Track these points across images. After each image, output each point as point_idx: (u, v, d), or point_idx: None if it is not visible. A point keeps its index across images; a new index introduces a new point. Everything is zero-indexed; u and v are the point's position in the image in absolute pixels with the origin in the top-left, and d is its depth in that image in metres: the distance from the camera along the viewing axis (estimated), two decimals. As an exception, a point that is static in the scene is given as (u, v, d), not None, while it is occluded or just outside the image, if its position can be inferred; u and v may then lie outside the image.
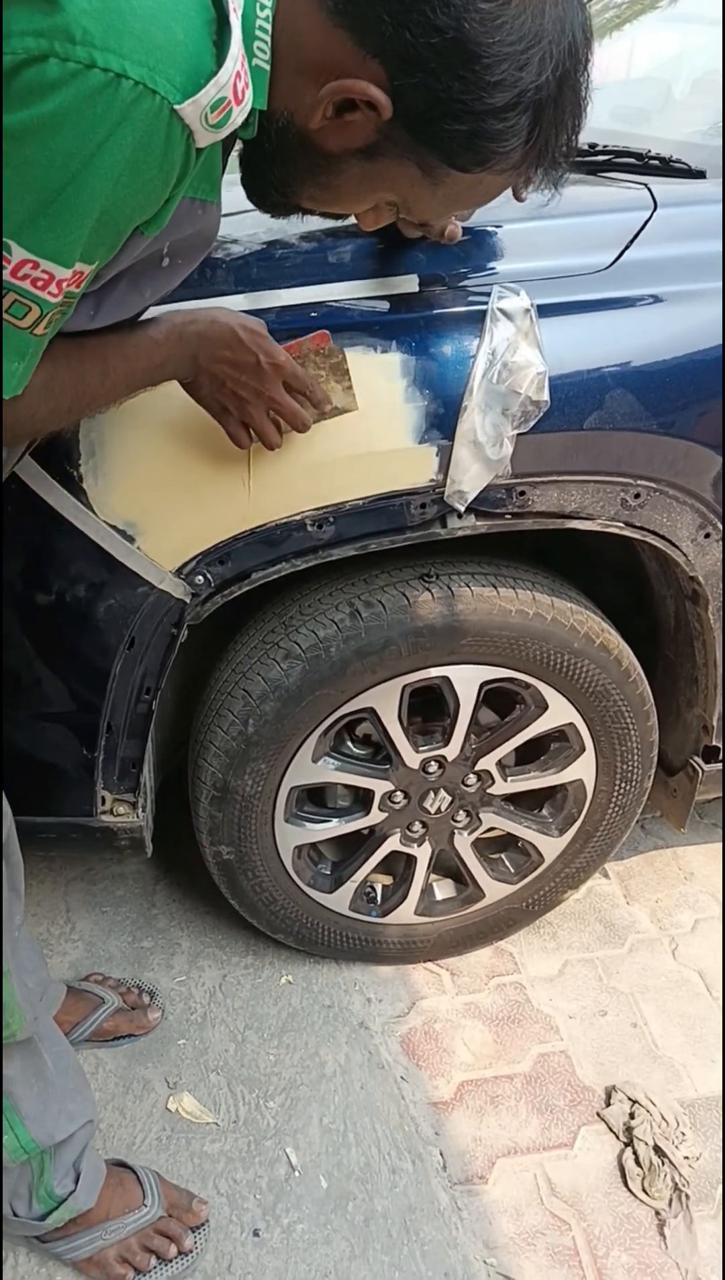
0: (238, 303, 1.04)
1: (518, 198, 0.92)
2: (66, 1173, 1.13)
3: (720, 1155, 1.34)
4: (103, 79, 0.55)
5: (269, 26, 0.65)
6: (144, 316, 0.85)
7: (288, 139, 0.70)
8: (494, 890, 1.52)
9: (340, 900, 1.46)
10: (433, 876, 1.54)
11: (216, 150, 0.69)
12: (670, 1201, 1.28)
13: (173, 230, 0.71)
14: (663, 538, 1.21)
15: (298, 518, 1.09)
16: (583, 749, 1.38)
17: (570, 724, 1.35)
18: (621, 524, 1.18)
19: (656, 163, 1.30)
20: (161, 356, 0.85)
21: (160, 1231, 1.18)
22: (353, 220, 0.87)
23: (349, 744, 1.38)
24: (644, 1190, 1.29)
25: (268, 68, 0.66)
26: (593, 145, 1.39)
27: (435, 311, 1.07)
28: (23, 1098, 1.05)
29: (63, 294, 0.64)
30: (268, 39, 0.65)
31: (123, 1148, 1.31)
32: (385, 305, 1.07)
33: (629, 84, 1.96)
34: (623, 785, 1.43)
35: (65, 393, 0.77)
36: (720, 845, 1.86)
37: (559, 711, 1.33)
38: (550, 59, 0.65)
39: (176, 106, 0.58)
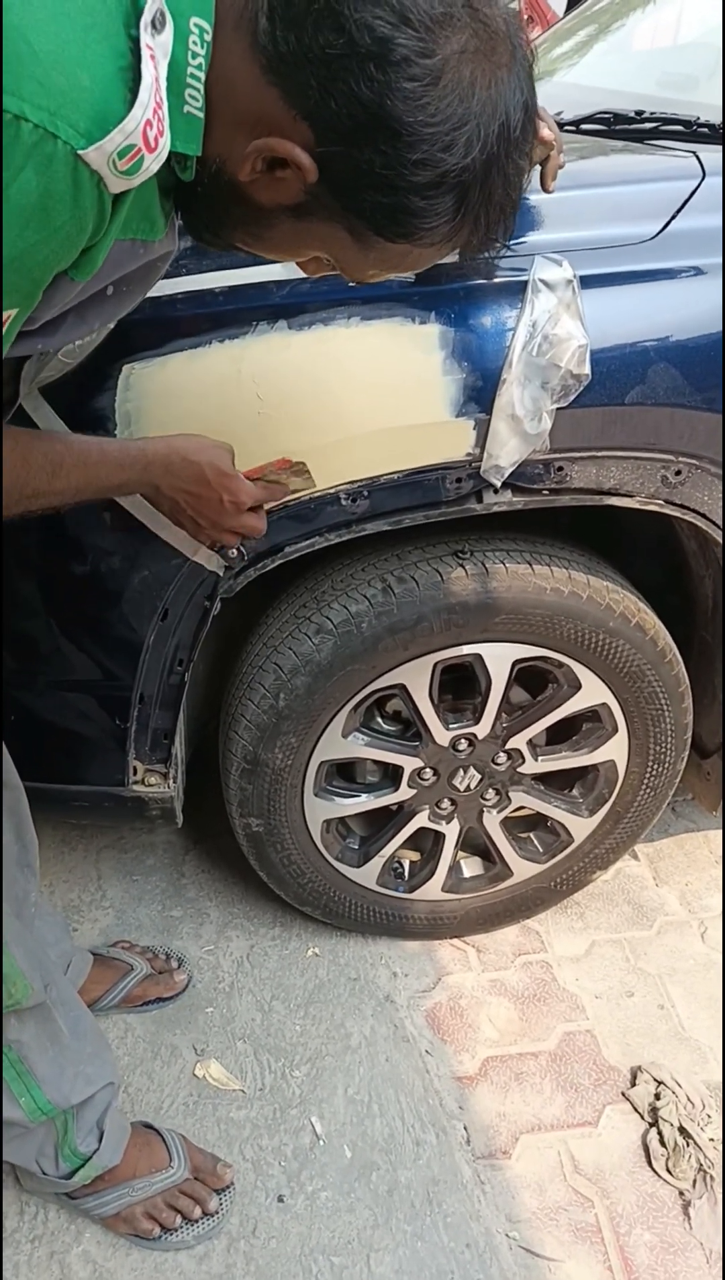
0: (274, 272, 1.03)
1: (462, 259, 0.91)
2: (90, 1131, 1.15)
3: (745, 1138, 1.34)
4: (2, 121, 0.53)
5: (202, 75, 0.63)
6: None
7: (220, 186, 0.69)
8: (522, 869, 1.51)
9: (368, 875, 1.47)
10: (461, 854, 1.54)
11: (151, 191, 0.68)
12: (695, 1182, 1.28)
13: (111, 271, 0.70)
14: (703, 516, 1.18)
15: (332, 491, 1.08)
16: (615, 730, 1.37)
17: (603, 704, 1.34)
18: (661, 501, 1.16)
19: (705, 130, 1.27)
20: (120, 480, 0.90)
21: (185, 1193, 1.21)
22: None
23: (379, 720, 1.38)
24: (668, 1170, 1.29)
25: (201, 115, 0.65)
26: (639, 112, 1.36)
27: (475, 282, 1.05)
28: (37, 1062, 1.08)
29: None
30: (201, 86, 0.63)
31: (150, 1111, 1.33)
32: (423, 275, 1.05)
33: (677, 50, 1.90)
34: (655, 767, 1.42)
35: (5, 475, 0.78)
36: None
37: (592, 691, 1.32)
38: (477, 141, 0.63)
39: (80, 152, 0.56)
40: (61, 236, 0.60)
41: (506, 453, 1.07)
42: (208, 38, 0.62)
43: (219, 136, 0.66)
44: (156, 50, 0.59)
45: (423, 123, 0.61)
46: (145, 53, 0.58)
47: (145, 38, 0.57)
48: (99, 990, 1.44)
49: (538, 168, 1.01)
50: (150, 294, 1.03)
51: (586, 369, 1.04)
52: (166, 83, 0.61)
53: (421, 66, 0.59)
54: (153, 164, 0.61)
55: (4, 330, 0.65)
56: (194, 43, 0.62)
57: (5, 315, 0.64)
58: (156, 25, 0.58)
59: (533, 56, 0.67)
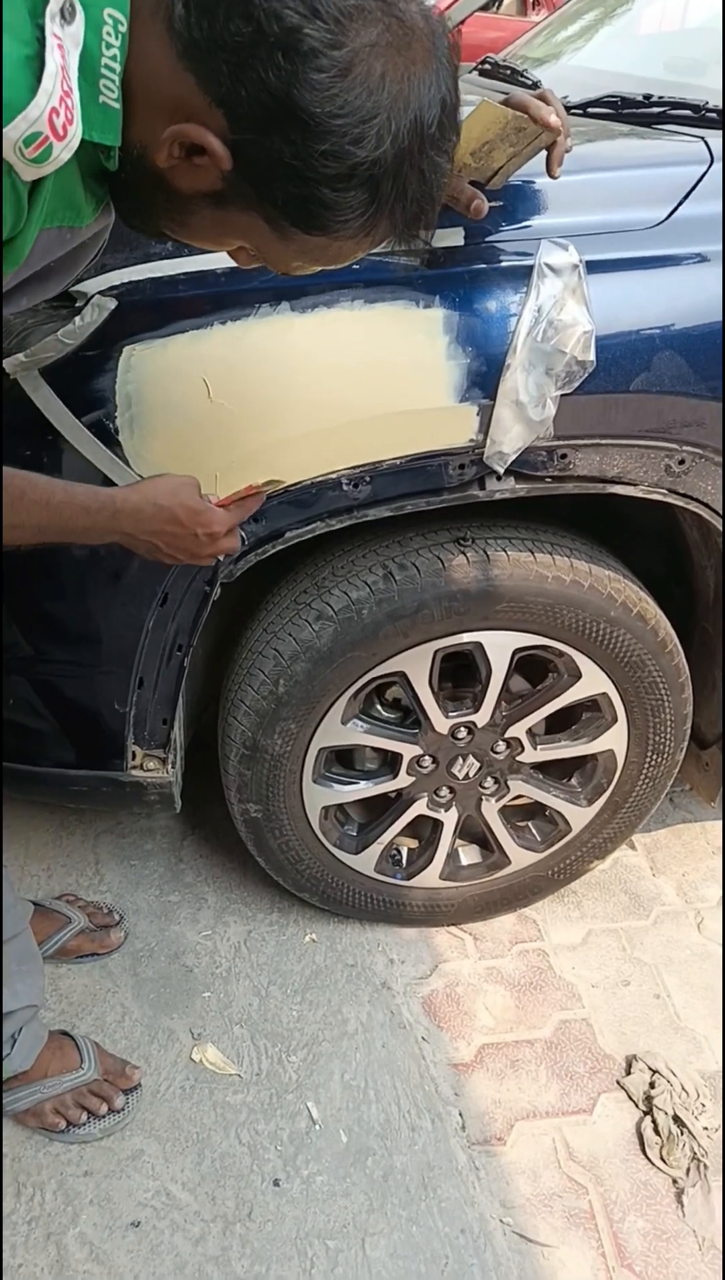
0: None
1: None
2: (6, 1040, 1.22)
3: (739, 1127, 1.34)
4: None
5: (116, 65, 0.63)
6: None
7: (142, 173, 0.70)
8: (520, 857, 1.51)
9: (366, 861, 1.47)
10: (459, 842, 1.54)
11: (73, 179, 0.68)
12: (688, 1170, 1.28)
13: (41, 259, 0.71)
14: (706, 505, 1.18)
15: (333, 476, 1.07)
16: (614, 719, 1.37)
17: (603, 694, 1.33)
18: (664, 490, 1.16)
19: (714, 115, 1.25)
20: (85, 524, 0.88)
21: (94, 1092, 1.29)
22: None
23: (379, 707, 1.38)
24: (662, 1159, 1.29)
25: (117, 106, 0.65)
26: (648, 96, 1.34)
27: (480, 266, 1.04)
28: None
29: None
30: (116, 76, 0.64)
31: (147, 1094, 1.34)
32: (429, 258, 1.04)
33: (684, 34, 1.89)
34: (654, 757, 1.42)
35: None
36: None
37: (592, 681, 1.31)
38: (388, 134, 0.63)
39: None
40: None
41: (510, 439, 1.06)
42: (123, 29, 0.63)
43: (140, 123, 0.67)
44: (65, 40, 0.59)
45: (330, 114, 0.61)
46: (51, 41, 0.58)
47: (52, 27, 0.58)
48: (36, 939, 1.45)
49: (544, 152, 1.00)
50: (152, 275, 1.03)
51: (591, 355, 1.03)
52: (79, 72, 0.62)
53: (330, 58, 0.60)
54: (63, 152, 0.62)
55: None
56: (108, 33, 0.62)
57: None
58: (65, 15, 0.59)
59: (457, 55, 0.68)
